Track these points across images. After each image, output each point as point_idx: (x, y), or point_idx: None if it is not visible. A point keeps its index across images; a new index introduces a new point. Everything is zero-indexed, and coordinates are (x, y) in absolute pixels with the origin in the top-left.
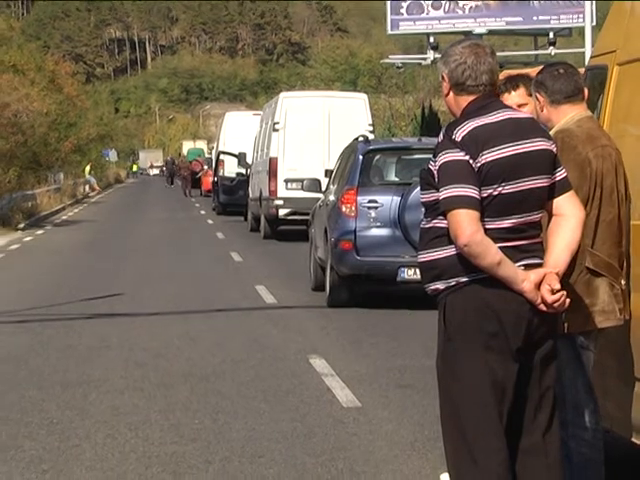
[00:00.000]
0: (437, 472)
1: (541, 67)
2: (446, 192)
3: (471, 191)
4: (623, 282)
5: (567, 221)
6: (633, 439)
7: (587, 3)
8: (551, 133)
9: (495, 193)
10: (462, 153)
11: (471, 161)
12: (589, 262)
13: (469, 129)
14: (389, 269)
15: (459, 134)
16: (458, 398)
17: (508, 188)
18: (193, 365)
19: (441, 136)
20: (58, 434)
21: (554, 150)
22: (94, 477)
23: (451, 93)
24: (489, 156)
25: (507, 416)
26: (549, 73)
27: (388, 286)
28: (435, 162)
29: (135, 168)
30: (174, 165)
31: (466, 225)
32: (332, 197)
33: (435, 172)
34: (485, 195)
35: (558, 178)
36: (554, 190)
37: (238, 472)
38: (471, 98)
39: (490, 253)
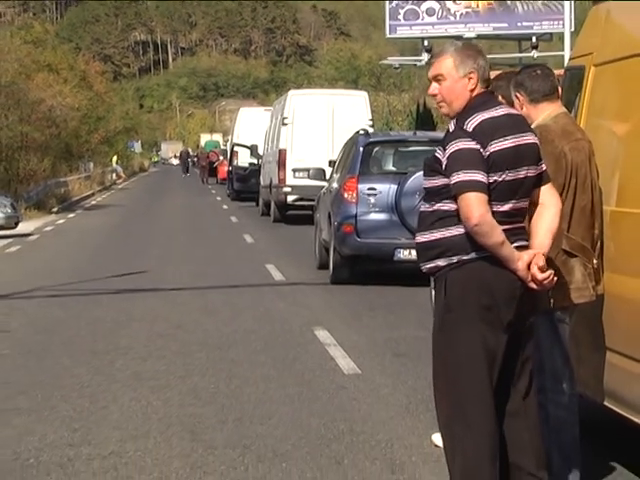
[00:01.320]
0: (429, 432)
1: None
2: (458, 177)
3: (481, 176)
4: (595, 262)
5: (548, 209)
6: (605, 403)
7: (566, 10)
8: None
9: (500, 180)
10: (474, 142)
11: (481, 150)
12: (565, 245)
13: (479, 121)
14: (386, 250)
15: (470, 125)
16: (454, 365)
17: (510, 175)
18: (209, 335)
19: (452, 126)
20: (88, 397)
21: (539, 144)
22: (120, 435)
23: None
24: (496, 146)
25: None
26: (527, 74)
27: (385, 265)
28: (445, 150)
29: (155, 158)
30: (189, 156)
31: (477, 207)
32: (335, 185)
33: (444, 159)
34: (491, 181)
35: (542, 170)
36: (539, 180)
37: (250, 432)
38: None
39: (496, 233)
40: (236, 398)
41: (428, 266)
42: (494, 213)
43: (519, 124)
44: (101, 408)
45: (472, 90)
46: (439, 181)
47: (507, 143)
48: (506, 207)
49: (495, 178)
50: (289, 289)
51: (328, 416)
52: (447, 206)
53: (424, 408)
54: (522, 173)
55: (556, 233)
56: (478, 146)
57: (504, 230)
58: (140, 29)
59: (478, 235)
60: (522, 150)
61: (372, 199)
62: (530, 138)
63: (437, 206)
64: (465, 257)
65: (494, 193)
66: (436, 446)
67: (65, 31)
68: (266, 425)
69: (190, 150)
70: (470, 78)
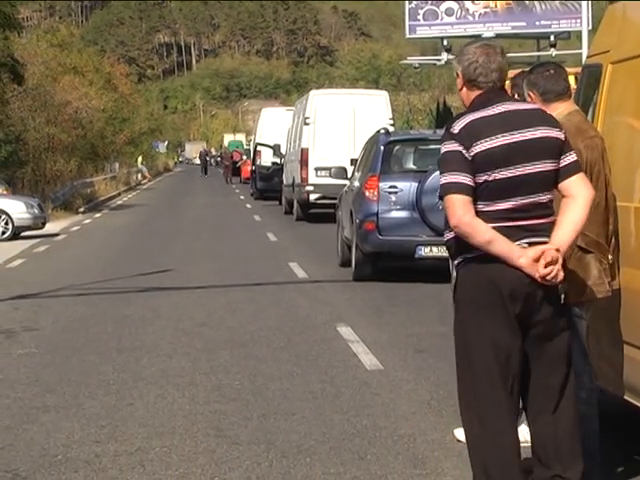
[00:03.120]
0: (450, 427)
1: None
2: (443, 179)
3: (462, 178)
4: (610, 257)
5: (575, 202)
6: (625, 397)
7: (584, 9)
8: None
9: (490, 179)
10: (456, 144)
11: (464, 151)
12: (581, 242)
13: (465, 122)
14: (408, 247)
15: (456, 127)
16: (465, 364)
17: (503, 174)
18: (233, 333)
19: (445, 129)
20: (114, 394)
21: (560, 137)
22: (146, 432)
23: (464, 88)
24: (481, 146)
25: (520, 380)
26: (540, 74)
27: (407, 262)
28: None
29: (176, 158)
30: (207, 156)
31: (456, 208)
32: (357, 183)
33: None
34: (480, 181)
35: (567, 162)
36: (561, 174)
37: (274, 428)
38: (479, 92)
39: (479, 233)
40: (260, 395)
41: (451, 264)
42: (492, 212)
43: (521, 120)
44: (127, 405)
45: (460, 90)
46: None
47: (494, 142)
48: (508, 204)
49: (485, 178)
50: (312, 286)
51: (351, 412)
52: None
53: (446, 403)
54: (522, 169)
55: (582, 226)
56: (460, 148)
57: (513, 227)
58: (164, 31)
59: (461, 235)
60: (520, 147)
61: (393, 197)
62: (538, 133)
63: None
64: (469, 255)
65: (487, 192)
66: (458, 441)
67: (90, 34)
68: (290, 421)
69: (214, 150)
70: (457, 78)
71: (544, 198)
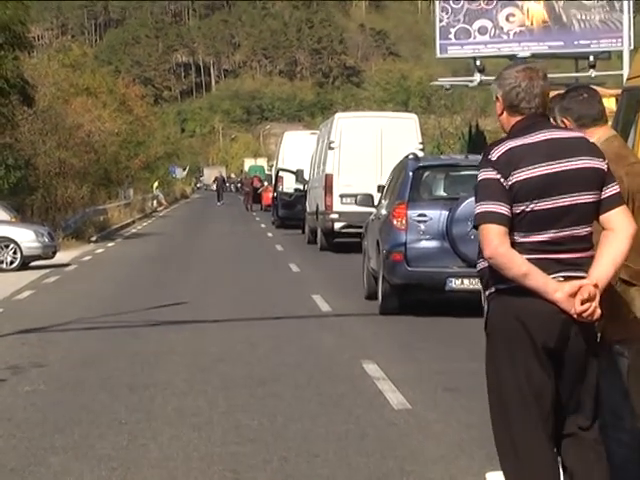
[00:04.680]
0: (483, 471)
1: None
2: (478, 208)
3: (499, 207)
4: None
5: (615, 235)
6: None
7: (625, 27)
8: None
9: (527, 210)
10: (494, 172)
11: (502, 180)
12: (624, 274)
13: (504, 150)
14: (438, 279)
15: (495, 154)
16: (494, 396)
17: (541, 205)
18: (252, 369)
19: (482, 155)
20: (126, 434)
21: (602, 167)
22: (160, 475)
23: (504, 113)
24: (520, 176)
25: (556, 418)
26: (573, 99)
27: (437, 295)
28: None
29: (193, 184)
30: (224, 183)
31: (491, 239)
32: (384, 211)
33: None
34: (518, 212)
35: (609, 194)
36: (603, 206)
37: (295, 471)
38: (520, 118)
39: (515, 265)
40: (281, 436)
41: (483, 296)
42: (528, 243)
43: (563, 149)
44: (140, 446)
45: (500, 115)
46: None
47: (533, 172)
48: (545, 236)
49: (522, 208)
50: (336, 320)
51: (377, 454)
52: None
53: (478, 445)
54: (562, 201)
55: (622, 261)
56: (499, 176)
57: (549, 259)
58: (182, 51)
59: (495, 267)
60: (559, 177)
61: (422, 226)
62: (581, 163)
63: None
64: (502, 286)
65: (524, 223)
66: None
67: (104, 53)
68: (312, 464)
69: (233, 174)
70: (497, 102)
71: (583, 231)
